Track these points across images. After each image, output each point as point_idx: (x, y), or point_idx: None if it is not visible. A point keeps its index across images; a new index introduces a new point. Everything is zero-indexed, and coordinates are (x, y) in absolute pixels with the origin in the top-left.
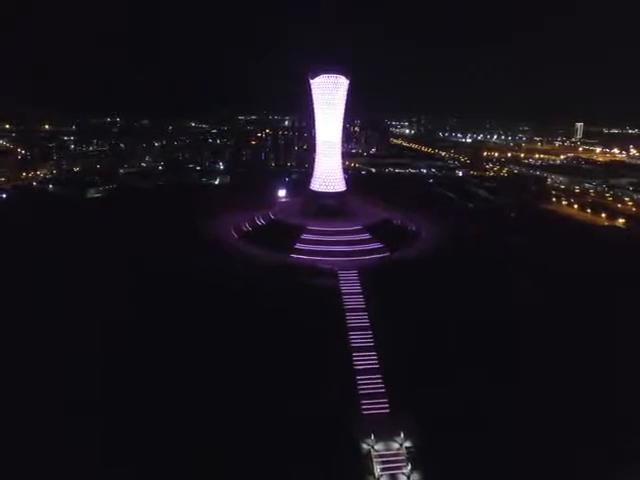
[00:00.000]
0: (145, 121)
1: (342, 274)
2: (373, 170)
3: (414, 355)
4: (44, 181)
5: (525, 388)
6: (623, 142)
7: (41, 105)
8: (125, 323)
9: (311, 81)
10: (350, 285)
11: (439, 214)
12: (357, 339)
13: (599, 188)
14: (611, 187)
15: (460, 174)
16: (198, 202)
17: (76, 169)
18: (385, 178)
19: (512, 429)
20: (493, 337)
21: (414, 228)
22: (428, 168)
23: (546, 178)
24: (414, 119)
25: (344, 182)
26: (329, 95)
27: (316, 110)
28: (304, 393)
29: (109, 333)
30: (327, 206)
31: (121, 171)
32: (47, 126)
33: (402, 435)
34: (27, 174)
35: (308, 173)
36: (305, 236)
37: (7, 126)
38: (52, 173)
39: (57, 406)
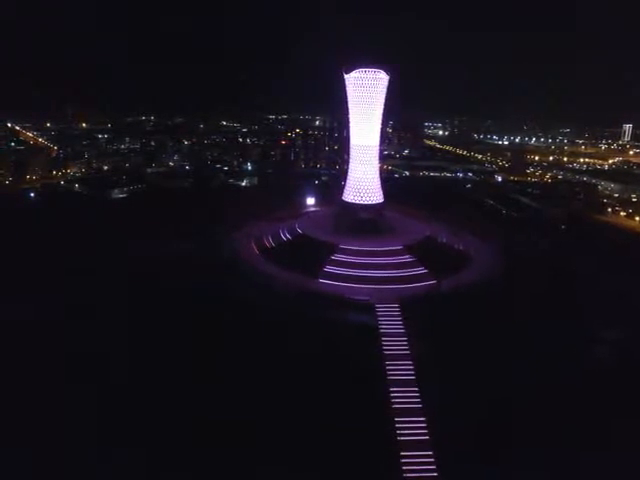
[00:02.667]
0: (179, 119)
1: (380, 308)
2: (407, 173)
3: (472, 425)
4: (72, 180)
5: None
6: None
7: (83, 104)
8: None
9: (346, 76)
10: (390, 323)
11: (485, 227)
12: (399, 397)
13: None
14: None
15: (499, 179)
16: (221, 207)
17: (105, 167)
18: (420, 183)
19: None
20: (574, 404)
21: (461, 247)
22: (465, 172)
23: (596, 185)
24: (447, 120)
25: (381, 192)
26: (366, 92)
27: (350, 110)
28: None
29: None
30: (362, 221)
31: (148, 170)
32: (84, 124)
33: None
34: (57, 172)
35: (338, 176)
36: (336, 257)
37: (48, 124)
38: (81, 172)
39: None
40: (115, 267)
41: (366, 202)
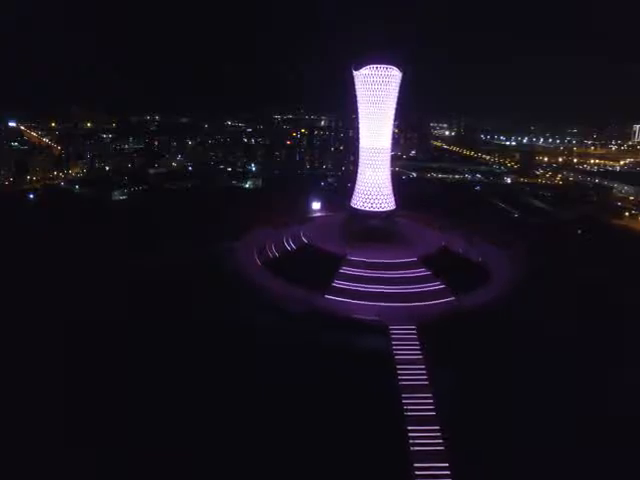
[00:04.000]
0: (184, 119)
1: (395, 330)
2: (414, 175)
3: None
4: (73, 181)
5: None
6: None
7: (87, 103)
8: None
9: (355, 73)
10: (406, 347)
11: (500, 234)
12: (417, 436)
13: None
14: None
15: (509, 181)
16: (222, 211)
17: (108, 168)
18: (429, 185)
19: None
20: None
21: (479, 258)
22: (473, 174)
23: (611, 187)
24: (454, 120)
25: (393, 199)
26: (377, 91)
27: (360, 110)
28: None
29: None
30: (372, 229)
31: (151, 171)
32: (89, 124)
33: None
34: (59, 173)
35: (344, 177)
36: (344, 270)
37: (52, 124)
38: (83, 172)
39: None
40: (105, 280)
41: (376, 209)
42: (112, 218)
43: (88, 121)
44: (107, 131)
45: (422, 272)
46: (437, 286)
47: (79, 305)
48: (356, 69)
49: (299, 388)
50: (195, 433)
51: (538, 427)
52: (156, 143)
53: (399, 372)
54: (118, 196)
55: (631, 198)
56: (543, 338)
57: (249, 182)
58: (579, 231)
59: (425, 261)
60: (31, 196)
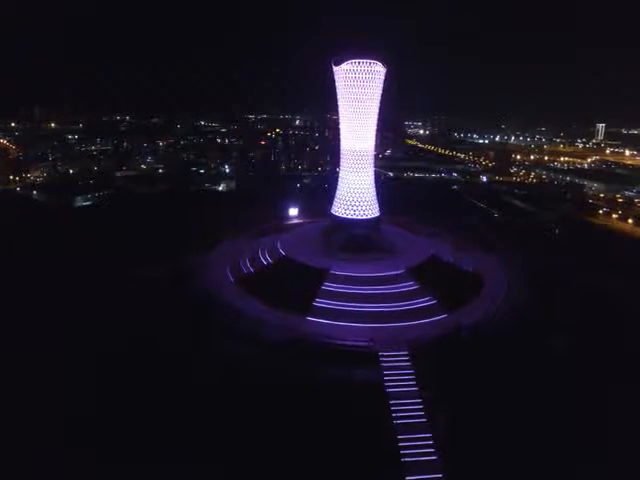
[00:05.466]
0: (156, 119)
1: (385, 357)
2: (391, 174)
3: None
4: (31, 186)
5: None
6: None
7: (52, 103)
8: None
9: (335, 68)
10: (398, 377)
11: (486, 237)
12: None
13: None
14: None
15: (484, 179)
16: (193, 217)
17: (72, 171)
18: (407, 185)
19: None
20: None
21: (470, 267)
22: (449, 172)
23: (584, 186)
24: (428, 119)
25: (377, 205)
26: (360, 88)
27: (341, 109)
28: None
29: None
30: (355, 239)
31: (119, 174)
32: (54, 124)
33: None
34: (18, 177)
35: (321, 177)
36: (327, 286)
37: (13, 124)
38: (44, 176)
39: None
40: (54, 303)
41: (360, 217)
42: (71, 228)
43: (52, 121)
44: (73, 132)
45: (411, 286)
46: (427, 302)
47: (13, 334)
48: (336, 64)
49: (277, 437)
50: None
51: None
52: (125, 144)
53: (392, 408)
54: (81, 202)
55: (601, 196)
56: (548, 359)
57: (222, 184)
58: (556, 230)
59: (413, 272)
60: None
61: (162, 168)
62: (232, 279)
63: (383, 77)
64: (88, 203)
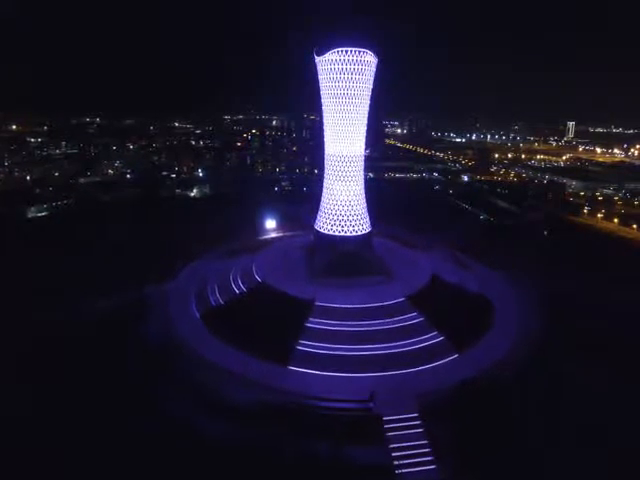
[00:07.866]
0: (129, 121)
1: (390, 423)
2: (371, 175)
3: None
4: None
5: None
6: (609, 141)
7: (17, 104)
8: None
9: (317, 59)
10: (409, 450)
11: (482, 246)
12: None
13: (620, 194)
14: (634, 193)
15: (466, 179)
16: (160, 230)
17: (29, 177)
18: (390, 187)
19: None
20: None
21: (475, 286)
22: (430, 172)
23: (564, 184)
24: (405, 118)
25: (368, 219)
26: (347, 82)
27: (325, 107)
28: None
29: None
30: (344, 259)
31: (82, 180)
32: (15, 127)
33: None
34: None
35: (299, 180)
36: (312, 323)
37: None
38: None
39: None
40: None
41: (349, 234)
42: (18, 243)
43: (13, 123)
44: (37, 134)
45: (414, 318)
46: (435, 339)
47: None
48: (319, 54)
49: None
50: None
51: None
52: (92, 148)
53: None
54: (35, 212)
55: (582, 194)
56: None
57: (196, 190)
58: (545, 232)
59: (415, 301)
60: None
61: (130, 173)
62: (197, 314)
63: (374, 69)
64: (43, 214)
